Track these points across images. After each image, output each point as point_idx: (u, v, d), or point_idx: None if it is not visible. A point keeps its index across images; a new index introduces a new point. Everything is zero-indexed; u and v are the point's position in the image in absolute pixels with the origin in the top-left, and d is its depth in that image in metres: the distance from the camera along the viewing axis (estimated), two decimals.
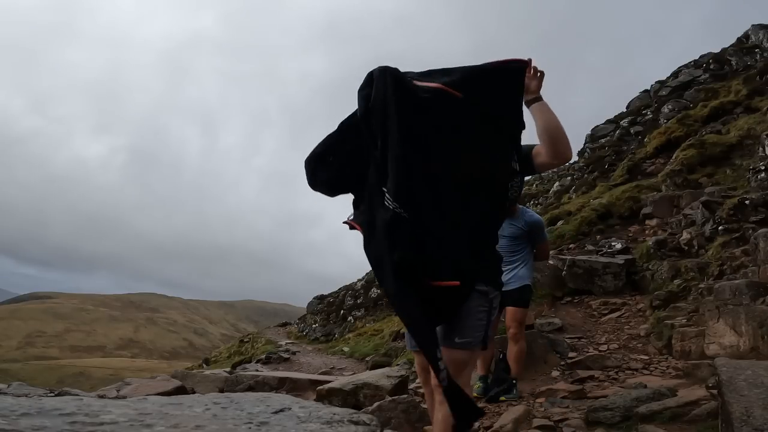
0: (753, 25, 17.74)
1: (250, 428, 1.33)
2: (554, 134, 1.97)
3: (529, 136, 2.06)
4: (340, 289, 30.87)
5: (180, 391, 4.97)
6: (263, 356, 13.11)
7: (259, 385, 5.78)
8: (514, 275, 4.13)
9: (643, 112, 18.27)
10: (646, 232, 8.85)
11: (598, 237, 9.29)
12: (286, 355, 13.10)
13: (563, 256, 7.93)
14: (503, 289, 3.73)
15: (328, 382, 5.11)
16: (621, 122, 19.00)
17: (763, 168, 7.14)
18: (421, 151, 1.88)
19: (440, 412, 1.98)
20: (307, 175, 2.12)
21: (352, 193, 2.10)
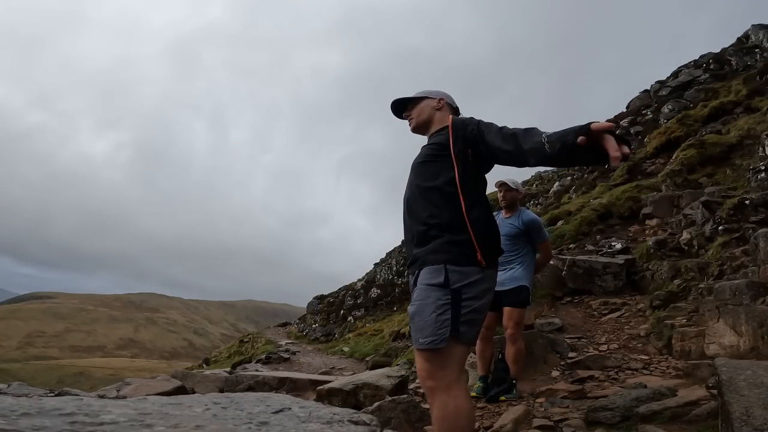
0: (753, 25, 17.75)
1: (250, 428, 1.33)
2: None
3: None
4: (340, 289, 30.89)
5: (180, 391, 4.97)
6: (263, 356, 13.13)
7: (259, 385, 5.78)
8: (509, 276, 4.12)
9: (643, 112, 18.27)
10: (646, 232, 8.85)
11: (598, 237, 9.29)
12: (286, 355, 13.13)
13: (563, 256, 7.93)
14: (499, 289, 3.70)
15: (328, 382, 5.11)
16: (621, 122, 18.99)
17: (763, 168, 7.14)
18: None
19: (433, 411, 1.93)
20: None
21: None
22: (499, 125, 2.03)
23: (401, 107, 2.41)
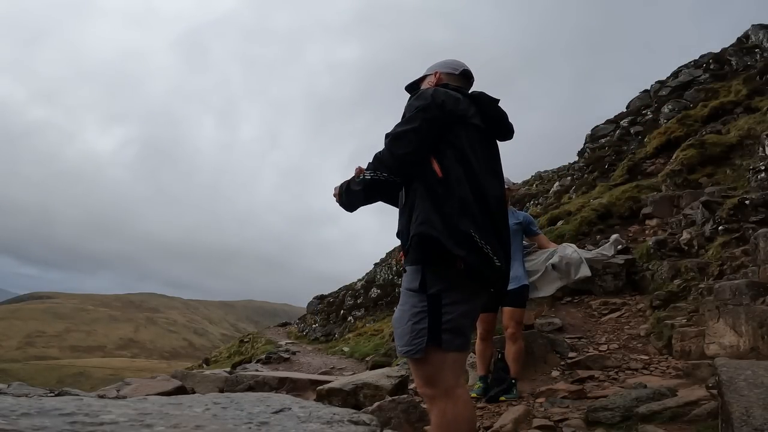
0: (753, 25, 17.73)
1: (250, 428, 1.33)
2: None
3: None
4: (340, 289, 30.89)
5: (180, 391, 4.98)
6: (263, 356, 13.14)
7: (259, 385, 5.79)
8: (511, 275, 4.10)
9: (643, 112, 18.27)
10: (646, 232, 8.85)
11: (598, 237, 9.28)
12: (286, 355, 13.13)
13: None
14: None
15: (328, 382, 5.12)
16: (621, 122, 18.99)
17: (763, 168, 7.14)
18: None
19: (431, 418, 1.84)
20: None
21: None
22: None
23: (415, 90, 2.17)
